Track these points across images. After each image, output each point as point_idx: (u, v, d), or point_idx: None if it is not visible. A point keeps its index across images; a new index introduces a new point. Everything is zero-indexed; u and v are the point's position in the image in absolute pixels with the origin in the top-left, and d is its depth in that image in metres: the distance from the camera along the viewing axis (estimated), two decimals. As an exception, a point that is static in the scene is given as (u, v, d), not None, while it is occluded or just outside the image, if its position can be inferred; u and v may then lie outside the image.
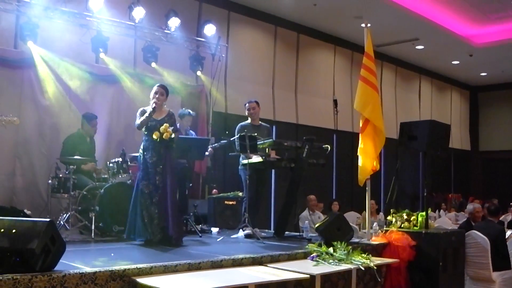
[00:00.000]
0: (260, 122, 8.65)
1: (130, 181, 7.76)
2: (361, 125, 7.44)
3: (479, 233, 7.70)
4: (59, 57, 9.05)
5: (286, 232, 8.22)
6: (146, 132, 6.86)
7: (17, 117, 7.03)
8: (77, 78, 9.23)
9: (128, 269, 4.51)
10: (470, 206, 9.31)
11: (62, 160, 8.10)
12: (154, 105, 6.75)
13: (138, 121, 6.82)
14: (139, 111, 6.91)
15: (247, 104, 8.60)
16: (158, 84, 7.09)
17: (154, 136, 6.68)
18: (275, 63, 14.14)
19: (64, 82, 9.06)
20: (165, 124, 6.74)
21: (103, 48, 9.53)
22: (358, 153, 7.38)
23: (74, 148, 8.01)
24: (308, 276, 5.21)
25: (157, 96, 6.86)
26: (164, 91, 6.99)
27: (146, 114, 6.75)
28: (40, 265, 4.04)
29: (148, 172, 6.75)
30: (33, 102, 8.82)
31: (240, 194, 9.14)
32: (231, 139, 8.12)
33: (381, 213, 12.12)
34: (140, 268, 4.60)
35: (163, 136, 6.69)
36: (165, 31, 10.43)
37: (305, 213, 10.58)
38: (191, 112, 9.00)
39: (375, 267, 5.98)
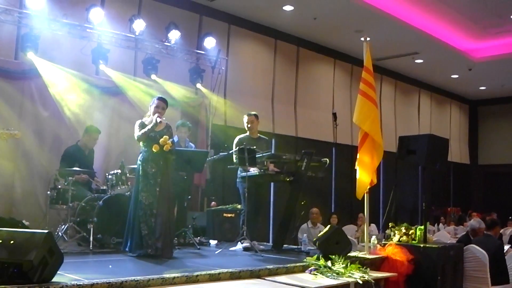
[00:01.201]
0: (259, 134, 8.66)
1: (128, 192, 7.76)
2: (359, 138, 7.46)
3: (477, 247, 7.69)
4: (60, 68, 9.08)
5: (285, 245, 8.21)
6: (145, 144, 6.87)
7: (18, 131, 7.05)
8: (77, 89, 9.26)
9: (126, 281, 4.51)
10: (475, 224, 9.23)
11: (59, 172, 8.09)
12: (159, 119, 6.77)
13: (138, 133, 6.83)
14: (138, 123, 6.93)
15: (246, 117, 8.61)
16: (158, 97, 7.12)
17: (154, 150, 6.70)
18: (275, 76, 14.17)
19: (64, 94, 9.08)
20: (164, 136, 6.76)
21: (104, 60, 9.55)
22: (357, 167, 7.39)
23: (73, 160, 8.01)
24: (306, 289, 5.21)
25: (159, 110, 6.90)
26: (165, 105, 7.05)
27: (149, 127, 6.76)
28: (38, 276, 4.04)
29: (148, 183, 6.75)
30: (33, 113, 8.84)
31: (239, 206, 9.13)
32: (230, 151, 8.13)
33: (373, 225, 12.10)
34: (137, 280, 4.60)
35: (164, 148, 6.71)
36: (165, 43, 10.46)
37: (305, 226, 10.55)
38: (187, 122, 9.03)
39: (373, 281, 5.96)
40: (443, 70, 18.08)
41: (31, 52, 8.67)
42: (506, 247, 8.88)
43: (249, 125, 8.53)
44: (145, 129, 6.78)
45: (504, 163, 21.19)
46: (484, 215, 15.57)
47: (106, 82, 9.79)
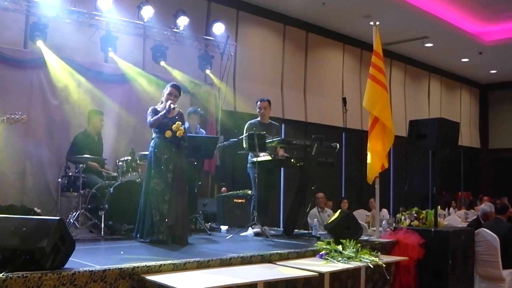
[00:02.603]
0: (270, 120, 8.64)
1: (139, 179, 7.77)
2: (370, 123, 7.43)
3: (488, 231, 7.67)
4: (69, 56, 9.10)
5: (295, 230, 8.22)
6: (157, 130, 6.87)
7: (25, 115, 7.06)
8: (86, 77, 9.28)
9: (138, 267, 4.53)
10: (486, 208, 9.20)
11: (69, 159, 8.13)
12: (172, 106, 6.77)
13: (151, 119, 6.81)
14: (151, 109, 6.91)
15: (258, 102, 8.57)
16: (171, 84, 7.09)
17: (167, 135, 6.69)
18: (284, 62, 14.14)
19: (73, 82, 9.11)
20: (177, 122, 6.75)
21: (112, 48, 9.54)
22: (367, 151, 7.37)
23: (83, 147, 8.04)
24: (317, 274, 5.21)
25: (171, 97, 6.90)
26: (178, 92, 7.04)
27: (162, 113, 6.75)
28: (50, 263, 4.06)
29: (161, 169, 6.75)
30: (43, 101, 8.87)
31: (249, 192, 9.15)
32: (240, 137, 8.13)
33: (384, 210, 12.09)
34: (149, 266, 4.62)
35: (177, 134, 6.70)
36: (174, 30, 10.44)
37: (314, 210, 10.58)
38: (199, 110, 9.03)
39: (384, 265, 5.96)
40: (453, 54, 17.97)
41: (40, 41, 8.67)
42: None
43: (261, 111, 8.51)
44: (158, 116, 6.77)
45: (515, 147, 21.12)
46: (494, 199, 15.53)
47: (115, 69, 9.80)
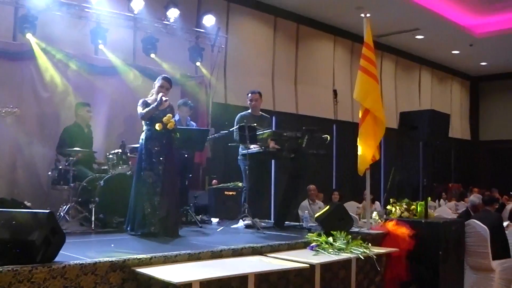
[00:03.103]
0: (260, 112, 8.63)
1: (130, 172, 7.75)
2: (360, 115, 7.43)
3: (478, 222, 7.71)
4: (59, 49, 9.04)
5: (286, 222, 8.22)
6: (148, 122, 6.85)
7: (17, 109, 7.02)
8: (76, 70, 9.22)
9: (128, 259, 4.52)
10: (475, 199, 9.27)
11: (59, 152, 8.10)
12: (164, 98, 6.75)
13: (142, 111, 6.79)
14: (141, 101, 6.89)
15: (249, 95, 8.56)
16: (163, 77, 7.07)
17: (158, 128, 6.67)
18: (275, 54, 14.13)
19: (63, 74, 9.06)
20: (168, 115, 6.74)
21: (102, 40, 9.51)
22: (358, 143, 7.38)
23: (73, 140, 8.00)
24: (308, 265, 5.22)
25: (163, 90, 6.88)
26: (169, 85, 7.03)
27: (153, 105, 6.73)
28: (41, 256, 4.05)
29: (152, 162, 6.74)
30: (33, 94, 8.82)
31: (240, 184, 9.14)
32: (231, 129, 8.12)
33: (377, 202, 12.12)
34: (140, 258, 4.61)
35: (168, 126, 6.70)
36: (165, 22, 10.40)
37: (305, 202, 10.61)
38: (189, 102, 9.01)
39: (374, 256, 5.98)
40: (444, 46, 18.01)
41: (30, 34, 8.63)
42: (505, 223, 8.90)
43: (252, 103, 8.50)
44: (150, 108, 6.76)
45: (505, 139, 21.20)
46: (484, 190, 15.63)
47: (105, 62, 9.75)
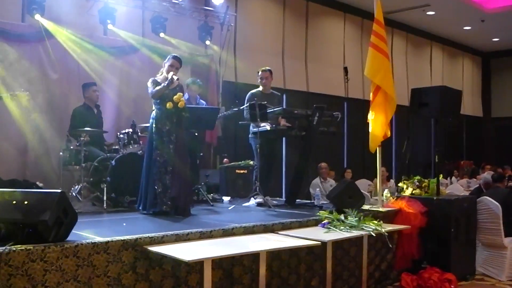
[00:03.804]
0: (271, 90, 8.59)
1: (141, 151, 7.76)
2: (371, 92, 7.39)
3: (491, 199, 7.67)
4: (67, 30, 9.03)
5: (298, 200, 8.22)
6: (158, 101, 6.83)
7: (27, 92, 7.04)
8: (85, 50, 9.23)
9: (140, 238, 4.53)
10: (488, 176, 9.26)
11: (71, 133, 8.11)
12: (175, 77, 6.74)
13: (153, 90, 6.76)
14: (151, 80, 6.86)
15: (260, 72, 8.52)
16: (173, 56, 7.02)
17: (168, 106, 6.65)
18: (284, 32, 14.06)
19: (72, 55, 9.06)
20: (178, 93, 6.73)
21: (111, 20, 9.48)
22: (369, 120, 7.34)
23: (83, 120, 8.01)
24: (320, 243, 5.22)
25: (173, 69, 6.85)
26: (179, 64, 6.99)
27: (164, 84, 6.69)
28: (53, 236, 4.07)
29: (163, 141, 6.72)
30: (42, 75, 8.82)
31: (251, 163, 9.15)
32: (241, 107, 8.10)
33: (392, 180, 12.08)
34: (152, 237, 4.62)
35: (178, 105, 6.68)
36: (173, 1, 10.36)
37: (317, 180, 10.59)
38: (198, 80, 8.99)
39: (386, 234, 5.97)
40: (455, 22, 17.83)
41: (38, 15, 8.62)
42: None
43: (263, 81, 8.46)
44: (160, 86, 6.73)
45: (517, 116, 21.07)
46: (496, 167, 15.54)
47: (114, 42, 9.75)
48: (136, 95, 9.61)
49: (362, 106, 14.06)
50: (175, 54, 7.18)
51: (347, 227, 5.83)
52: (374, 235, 5.84)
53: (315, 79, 14.58)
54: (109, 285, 4.28)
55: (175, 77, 6.75)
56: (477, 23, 17.59)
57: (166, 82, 6.70)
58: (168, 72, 6.82)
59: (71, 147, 7.86)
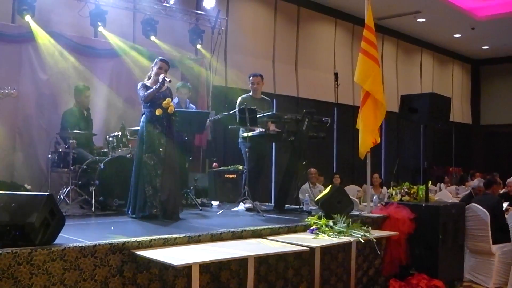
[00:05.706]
0: (261, 95, 8.61)
1: (129, 155, 7.73)
2: (361, 98, 7.40)
3: (479, 206, 7.71)
4: (58, 31, 9.00)
5: (287, 205, 8.22)
6: (148, 105, 6.81)
7: (15, 90, 6.99)
8: (75, 52, 9.20)
9: (128, 242, 4.52)
10: (476, 182, 9.31)
11: (61, 135, 8.07)
12: (167, 79, 6.72)
13: (145, 93, 6.73)
14: (141, 85, 6.84)
15: (251, 77, 8.54)
16: (160, 59, 7.00)
17: (157, 113, 6.64)
18: (276, 36, 14.06)
19: (62, 56, 9.03)
20: (167, 99, 6.72)
21: (102, 22, 9.44)
22: (359, 126, 7.35)
23: (73, 123, 7.98)
24: (308, 248, 5.22)
25: (161, 72, 6.82)
26: (167, 66, 6.97)
27: (156, 87, 6.69)
28: (40, 238, 4.05)
29: (153, 144, 6.71)
30: (32, 76, 8.78)
31: (241, 167, 9.14)
32: (231, 111, 8.09)
33: (385, 188, 12.09)
34: (139, 241, 4.60)
35: (168, 110, 6.68)
36: (164, 4, 10.33)
37: (306, 186, 10.59)
38: (187, 83, 8.99)
39: (374, 240, 5.98)
40: (446, 29, 17.89)
41: (28, 15, 8.58)
42: (505, 205, 8.92)
43: (254, 86, 8.49)
44: (152, 89, 6.71)
45: (506, 123, 21.13)
46: (485, 174, 15.59)
47: (104, 44, 9.71)
48: (126, 98, 9.59)
49: (352, 112, 14.09)
50: (162, 57, 7.15)
51: (336, 233, 5.83)
52: (362, 241, 5.85)
53: (305, 84, 14.59)
54: (96, 289, 4.26)
55: (167, 79, 6.73)
56: (468, 30, 17.66)
57: (158, 84, 6.69)
58: (157, 75, 6.80)
59: (60, 150, 7.82)
